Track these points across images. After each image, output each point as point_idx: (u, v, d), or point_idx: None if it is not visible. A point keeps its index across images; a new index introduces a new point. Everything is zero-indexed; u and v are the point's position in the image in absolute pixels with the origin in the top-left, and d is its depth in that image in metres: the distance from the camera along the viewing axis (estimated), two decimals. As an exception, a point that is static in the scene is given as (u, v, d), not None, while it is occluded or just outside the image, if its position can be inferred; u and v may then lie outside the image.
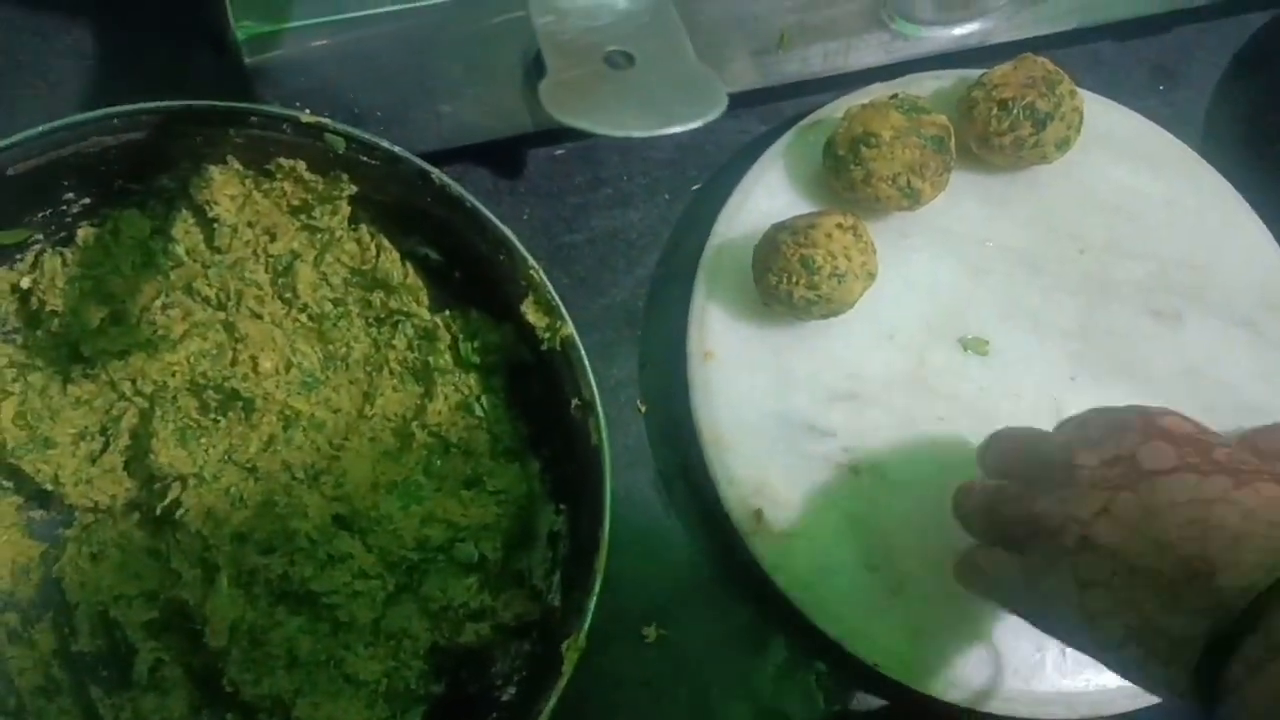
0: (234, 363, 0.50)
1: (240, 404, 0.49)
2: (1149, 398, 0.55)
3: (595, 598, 0.43)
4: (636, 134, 0.27)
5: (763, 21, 0.54)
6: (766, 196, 0.57)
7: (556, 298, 0.47)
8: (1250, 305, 0.59)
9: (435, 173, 0.47)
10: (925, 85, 0.60)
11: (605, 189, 0.60)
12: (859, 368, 0.55)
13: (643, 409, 0.57)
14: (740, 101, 0.60)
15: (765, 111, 0.62)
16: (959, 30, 0.59)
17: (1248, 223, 0.60)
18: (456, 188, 0.47)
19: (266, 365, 0.50)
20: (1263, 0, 0.66)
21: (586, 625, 0.43)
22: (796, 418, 0.54)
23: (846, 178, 0.55)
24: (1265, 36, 0.68)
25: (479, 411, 0.51)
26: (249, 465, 0.49)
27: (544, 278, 0.47)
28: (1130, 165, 0.60)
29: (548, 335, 0.48)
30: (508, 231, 0.47)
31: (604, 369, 0.57)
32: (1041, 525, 0.41)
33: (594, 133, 0.26)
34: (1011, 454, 0.47)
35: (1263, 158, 0.64)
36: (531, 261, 0.47)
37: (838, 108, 0.59)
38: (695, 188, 0.61)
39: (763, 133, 0.61)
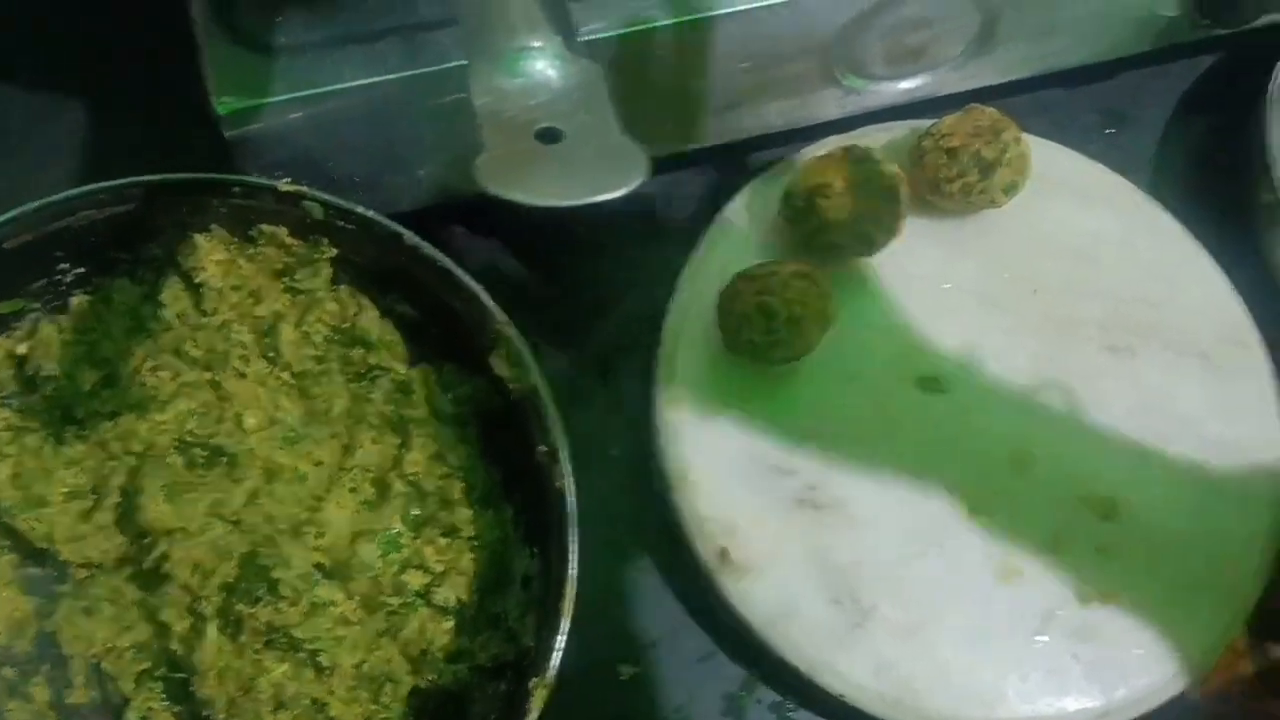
0: (219, 420, 0.52)
1: (225, 459, 0.51)
2: (1104, 431, 0.58)
3: (563, 637, 0.45)
4: (563, 204, 0.29)
5: (720, 82, 0.57)
6: (729, 246, 0.60)
7: (524, 350, 0.49)
8: (1205, 339, 0.61)
9: (407, 234, 0.50)
10: (879, 136, 0.63)
11: (576, 242, 0.63)
12: (822, 409, 0.57)
13: (615, 453, 0.59)
14: (704, 155, 0.63)
15: (728, 164, 0.65)
16: (909, 83, 0.62)
17: (1199, 259, 0.63)
18: (428, 248, 0.50)
19: (251, 422, 0.52)
20: (1208, 44, 0.69)
21: (554, 664, 0.45)
22: (762, 458, 0.56)
23: (804, 227, 0.57)
24: (1211, 78, 0.71)
25: (454, 461, 0.53)
26: (234, 519, 0.51)
27: (512, 331, 0.50)
28: (1082, 207, 0.63)
29: (516, 386, 0.50)
30: (478, 288, 0.50)
31: (578, 415, 0.59)
32: None
33: (524, 204, 0.29)
34: None
35: (1211, 196, 0.66)
36: (500, 315, 0.50)
37: (795, 160, 0.62)
38: (662, 239, 0.63)
39: (724, 185, 0.64)
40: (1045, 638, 0.54)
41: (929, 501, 0.56)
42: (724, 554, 0.54)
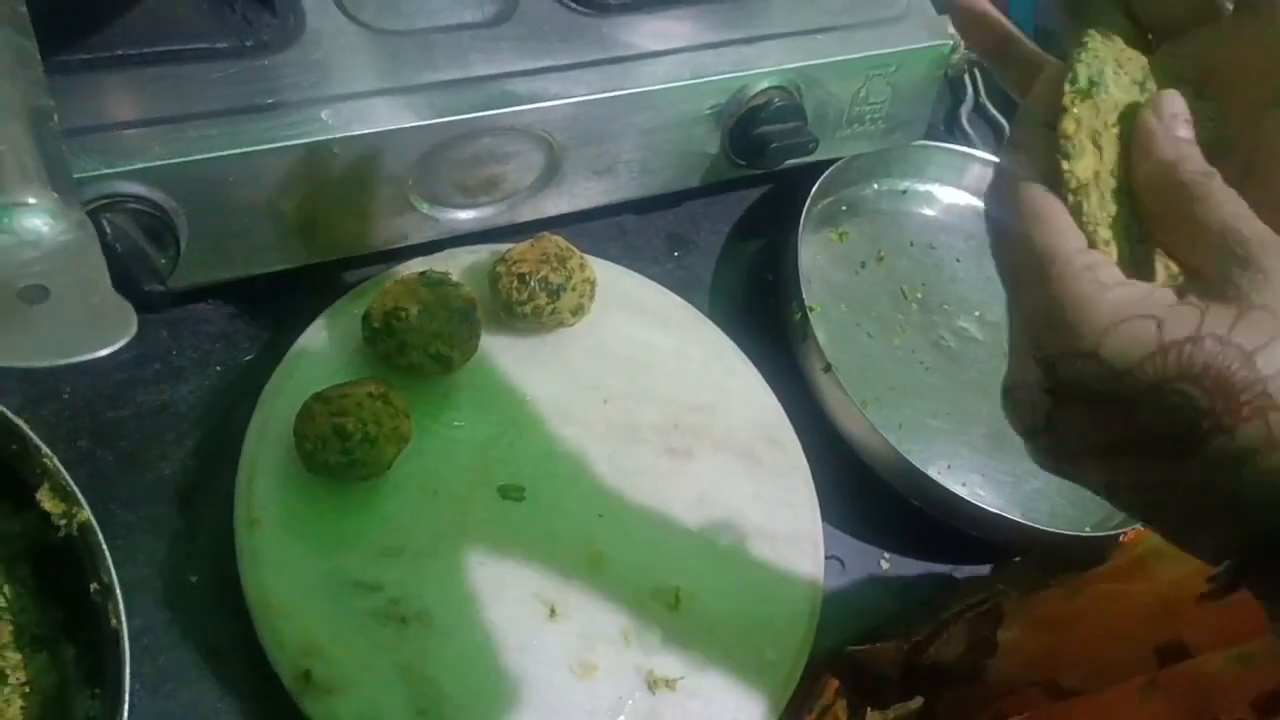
0: None
1: None
2: (667, 527, 0.64)
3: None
4: (39, 364, 0.29)
5: (294, 208, 0.58)
6: (311, 367, 0.61)
7: (72, 485, 0.48)
8: (750, 439, 0.69)
9: (-62, 367, 0.47)
10: (461, 260, 0.67)
11: (153, 364, 0.62)
12: (404, 523, 0.59)
13: (194, 580, 0.58)
14: (293, 276, 0.64)
15: (317, 285, 0.66)
16: (486, 211, 0.66)
17: (743, 369, 0.71)
18: (-40, 381, 0.47)
19: None
20: (754, 180, 0.79)
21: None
22: (344, 576, 0.57)
23: (382, 348, 0.60)
24: (757, 209, 0.81)
25: (1, 603, 0.50)
26: None
27: (58, 465, 0.48)
28: (644, 324, 0.70)
29: (64, 522, 0.48)
30: (19, 422, 0.48)
31: (153, 542, 0.58)
32: None
33: (-1, 365, 0.29)
34: None
35: (757, 312, 0.76)
36: (45, 450, 0.48)
37: (378, 282, 0.64)
38: (247, 359, 0.63)
39: (313, 305, 0.65)
40: (619, 726, 0.58)
41: (511, 605, 0.59)
42: (307, 675, 0.54)
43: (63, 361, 0.29)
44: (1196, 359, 0.33)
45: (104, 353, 0.29)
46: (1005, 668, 0.61)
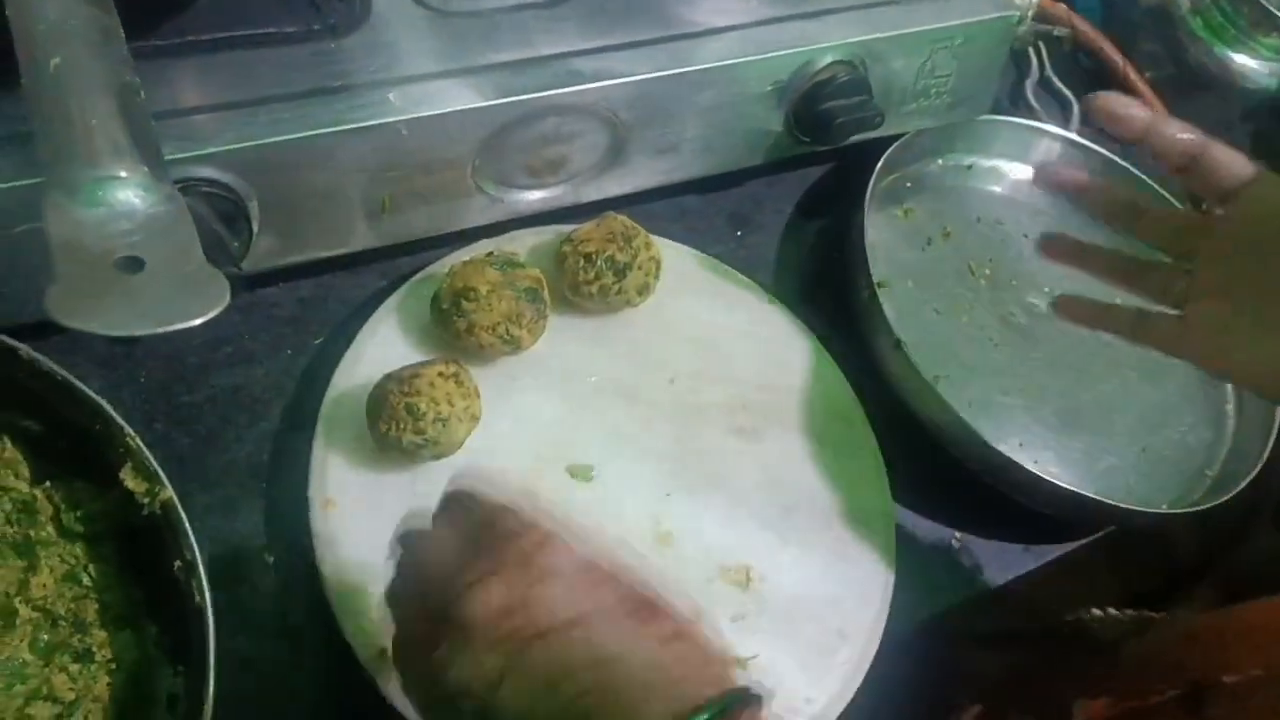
0: None
1: None
2: (737, 506, 0.63)
3: (205, 758, 0.44)
4: (139, 333, 0.30)
5: (365, 191, 0.59)
6: (381, 348, 0.61)
7: (154, 464, 0.48)
8: (818, 417, 0.68)
9: (23, 349, 0.48)
10: (526, 240, 0.67)
11: (226, 347, 0.62)
12: (475, 502, 0.59)
13: (270, 560, 0.58)
14: (360, 259, 0.65)
15: (384, 268, 0.67)
16: (551, 192, 0.66)
17: (810, 347, 0.70)
18: (46, 362, 0.48)
19: None
20: (817, 158, 0.78)
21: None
22: (417, 555, 0.57)
23: (452, 328, 0.60)
24: (820, 187, 0.80)
25: (87, 581, 0.51)
26: None
27: (141, 445, 0.48)
28: (709, 303, 0.69)
29: (148, 500, 0.49)
30: (103, 402, 0.48)
31: (229, 524, 0.59)
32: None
33: (99, 334, 0.29)
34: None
35: (823, 290, 0.75)
36: (128, 430, 0.48)
37: (445, 264, 0.64)
38: (318, 341, 0.64)
39: (381, 288, 0.66)
40: (690, 704, 0.58)
41: (581, 584, 0.59)
42: (383, 653, 0.54)
43: (161, 330, 0.29)
44: None
45: (199, 321, 0.30)
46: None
